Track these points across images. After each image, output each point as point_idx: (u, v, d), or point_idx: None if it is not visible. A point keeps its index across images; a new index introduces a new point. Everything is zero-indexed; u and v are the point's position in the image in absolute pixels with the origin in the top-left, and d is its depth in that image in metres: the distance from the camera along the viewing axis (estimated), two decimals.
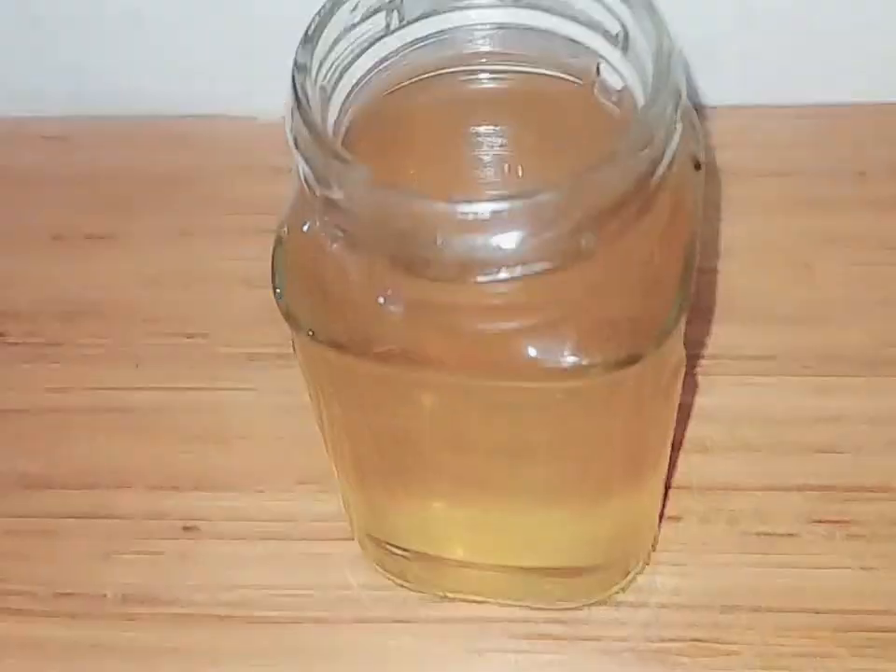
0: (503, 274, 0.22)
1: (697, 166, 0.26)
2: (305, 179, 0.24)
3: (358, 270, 0.24)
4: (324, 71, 0.25)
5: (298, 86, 0.23)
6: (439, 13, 0.27)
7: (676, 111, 0.23)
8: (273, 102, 0.44)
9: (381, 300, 0.24)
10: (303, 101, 0.23)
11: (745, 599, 0.34)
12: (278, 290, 0.26)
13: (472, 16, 0.27)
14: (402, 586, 0.34)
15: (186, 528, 0.36)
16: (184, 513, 0.36)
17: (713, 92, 0.44)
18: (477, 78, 0.28)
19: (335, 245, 0.24)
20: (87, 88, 0.46)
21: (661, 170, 0.23)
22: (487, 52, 0.27)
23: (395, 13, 0.26)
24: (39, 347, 0.40)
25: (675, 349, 0.26)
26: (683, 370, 0.28)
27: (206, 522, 0.36)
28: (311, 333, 0.25)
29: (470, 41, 0.27)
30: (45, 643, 0.34)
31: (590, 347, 0.24)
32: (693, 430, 0.37)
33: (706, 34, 0.41)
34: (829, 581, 0.34)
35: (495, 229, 0.22)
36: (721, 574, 0.34)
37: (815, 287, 0.40)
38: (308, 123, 0.23)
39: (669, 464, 0.34)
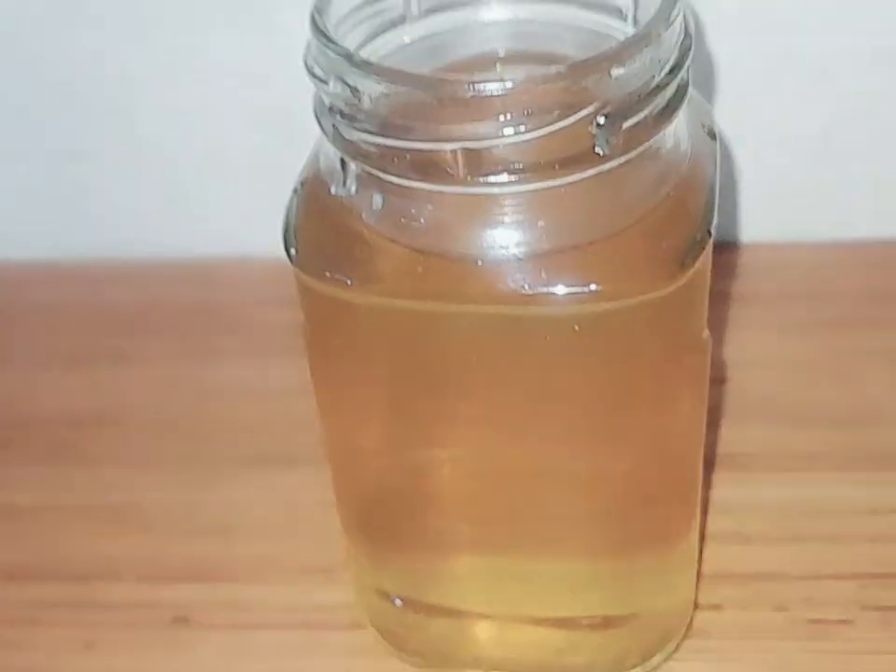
0: (510, 174, 0.21)
1: (712, 136, 0.25)
2: (327, 107, 0.23)
3: (374, 203, 0.24)
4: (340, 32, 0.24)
5: (318, 23, 0.23)
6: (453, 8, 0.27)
7: (687, 33, 0.23)
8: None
9: (400, 220, 0.23)
10: (324, 31, 0.23)
11: None
12: (292, 248, 0.25)
13: (485, 12, 0.27)
14: (411, 664, 0.31)
15: (176, 619, 0.33)
16: (175, 603, 0.33)
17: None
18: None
19: (353, 188, 0.24)
20: (111, 233, 0.46)
21: (672, 73, 0.22)
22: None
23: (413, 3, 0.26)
24: (43, 453, 0.39)
25: (695, 308, 0.25)
26: (709, 354, 0.26)
27: (199, 612, 0.33)
28: (327, 275, 0.24)
29: (484, 40, 0.27)
30: None
31: (604, 275, 0.22)
32: (730, 524, 0.34)
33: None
34: (888, 665, 0.30)
35: (501, 110, 0.21)
36: (769, 660, 0.31)
37: (853, 393, 0.38)
38: (329, 41, 0.23)
39: (702, 548, 0.32)
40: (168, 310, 0.44)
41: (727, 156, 0.41)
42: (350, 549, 0.31)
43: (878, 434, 0.36)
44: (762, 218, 0.43)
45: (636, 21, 0.25)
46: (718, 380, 0.37)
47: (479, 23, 0.27)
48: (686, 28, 0.23)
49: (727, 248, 0.43)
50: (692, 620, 0.31)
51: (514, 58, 0.27)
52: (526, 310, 0.23)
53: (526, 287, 0.23)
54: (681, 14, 0.23)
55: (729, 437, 0.36)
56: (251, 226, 0.45)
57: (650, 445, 0.26)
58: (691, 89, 0.24)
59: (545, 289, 0.23)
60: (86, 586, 0.34)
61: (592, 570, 0.28)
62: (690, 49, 0.23)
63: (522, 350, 0.24)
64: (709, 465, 0.34)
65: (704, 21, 0.39)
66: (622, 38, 0.26)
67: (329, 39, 0.23)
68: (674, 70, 0.22)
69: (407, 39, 0.27)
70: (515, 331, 0.24)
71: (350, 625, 0.32)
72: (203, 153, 0.44)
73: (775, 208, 0.43)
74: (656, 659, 0.30)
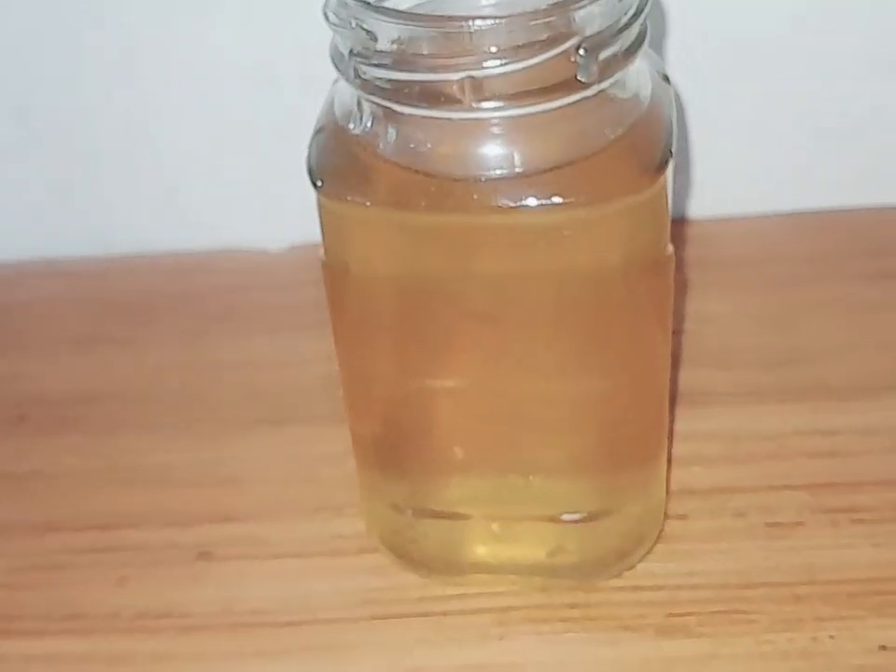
0: (508, 101, 0.26)
1: (666, 80, 0.30)
2: (345, 51, 0.27)
3: (388, 135, 0.28)
4: None
5: None
6: None
7: None
8: (278, 233, 0.49)
9: (410, 147, 0.27)
10: None
11: (759, 577, 0.34)
12: (319, 181, 0.29)
13: None
14: (419, 575, 0.34)
15: (201, 554, 0.36)
16: (198, 542, 0.37)
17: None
18: None
19: (369, 123, 0.28)
20: (109, 231, 0.50)
21: (638, 12, 0.27)
22: None
23: None
24: (57, 425, 0.42)
25: (660, 220, 0.29)
26: (673, 266, 0.30)
27: (220, 547, 0.37)
28: (348, 198, 0.28)
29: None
30: (60, 657, 0.34)
31: (585, 187, 0.27)
32: (691, 448, 0.38)
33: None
34: (841, 557, 0.34)
35: (499, 43, 0.25)
36: (733, 558, 0.35)
37: (795, 338, 0.42)
38: None
39: (669, 467, 0.36)
40: (163, 299, 0.47)
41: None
42: (363, 474, 0.34)
43: (814, 370, 0.41)
44: (708, 196, 0.48)
45: None
46: (676, 331, 0.41)
47: None
48: None
49: (680, 223, 0.48)
50: (662, 527, 0.35)
51: None
52: (517, 220, 0.27)
53: (517, 200, 0.27)
54: None
55: (687, 378, 0.40)
56: (236, 221, 0.49)
57: (623, 359, 0.30)
58: (649, 35, 0.28)
59: (530, 202, 0.27)
60: (114, 533, 0.37)
61: (577, 478, 0.32)
62: None
63: (511, 259, 0.28)
64: (672, 401, 0.38)
65: None
66: None
67: None
68: (638, 13, 0.27)
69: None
70: (507, 242, 0.28)
71: (362, 550, 0.36)
72: (191, 152, 0.48)
73: (717, 186, 0.48)
74: (633, 559, 0.34)
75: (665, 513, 0.36)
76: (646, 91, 0.29)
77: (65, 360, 0.45)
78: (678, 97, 0.43)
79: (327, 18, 0.27)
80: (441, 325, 0.30)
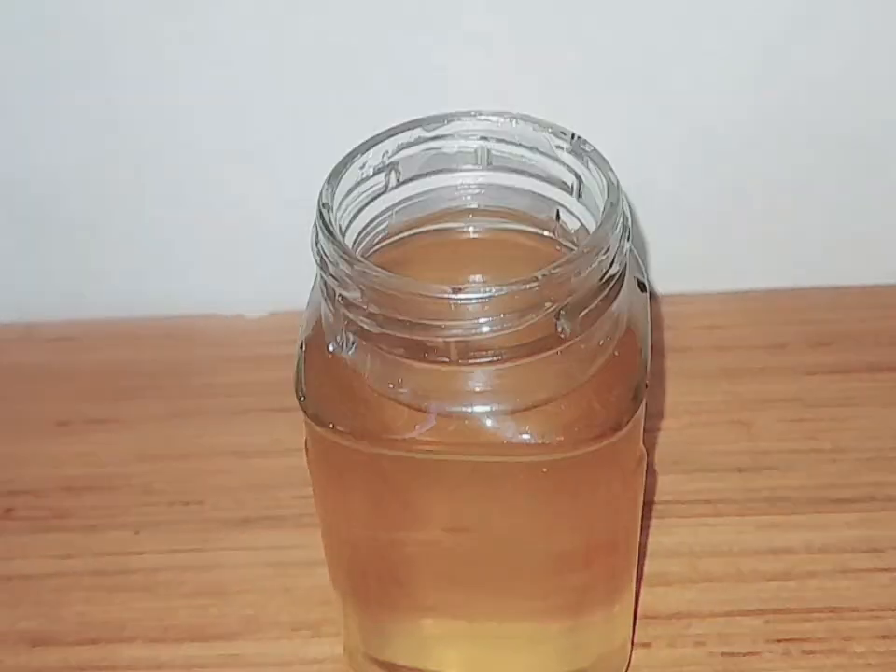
0: (494, 357, 0.27)
1: (642, 287, 0.31)
2: (329, 291, 0.28)
3: (371, 367, 0.28)
4: (338, 214, 0.29)
5: (325, 219, 0.28)
6: (429, 175, 0.32)
7: (625, 229, 0.28)
8: (256, 300, 0.50)
9: (390, 385, 0.28)
10: (331, 228, 0.28)
11: None
12: (302, 397, 0.30)
13: (456, 178, 0.32)
14: None
15: None
16: (184, 663, 0.39)
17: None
18: (461, 231, 0.33)
19: (351, 352, 0.29)
20: (85, 296, 0.50)
21: (616, 269, 0.28)
22: (470, 209, 0.32)
23: (392, 174, 0.31)
24: (44, 520, 0.43)
25: (635, 437, 0.30)
26: (645, 463, 0.32)
27: (205, 669, 0.38)
28: (331, 426, 0.29)
29: (454, 199, 0.32)
30: None
31: (567, 427, 0.28)
32: (654, 566, 0.40)
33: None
34: None
35: (488, 313, 0.26)
36: None
37: (753, 439, 0.44)
38: (335, 242, 0.28)
39: (635, 597, 0.38)
40: (143, 373, 0.48)
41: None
42: (343, 616, 0.36)
43: (771, 479, 0.43)
44: (664, 272, 0.49)
45: (580, 195, 0.31)
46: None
47: (449, 187, 0.32)
48: (625, 225, 0.29)
49: None
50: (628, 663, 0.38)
51: (482, 212, 0.33)
52: (503, 456, 0.29)
53: (504, 438, 0.28)
54: (623, 212, 0.28)
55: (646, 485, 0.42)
56: (219, 285, 0.50)
57: (598, 534, 0.32)
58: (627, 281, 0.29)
59: (518, 439, 0.28)
60: (103, 648, 0.39)
61: (549, 632, 0.34)
62: (629, 239, 0.29)
63: (497, 486, 0.30)
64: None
65: None
66: (567, 206, 0.31)
67: (340, 246, 0.28)
68: (618, 261, 0.28)
69: (389, 203, 0.32)
70: (493, 471, 0.29)
71: None
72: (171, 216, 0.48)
73: (673, 263, 0.49)
74: None
75: (632, 642, 0.38)
76: (624, 308, 0.30)
77: (48, 444, 0.46)
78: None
79: (315, 254, 0.28)
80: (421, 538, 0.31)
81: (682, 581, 0.40)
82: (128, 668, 0.39)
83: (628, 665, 0.37)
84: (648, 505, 0.42)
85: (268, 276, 0.49)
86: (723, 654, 0.38)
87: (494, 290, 0.26)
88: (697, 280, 0.49)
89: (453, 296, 0.27)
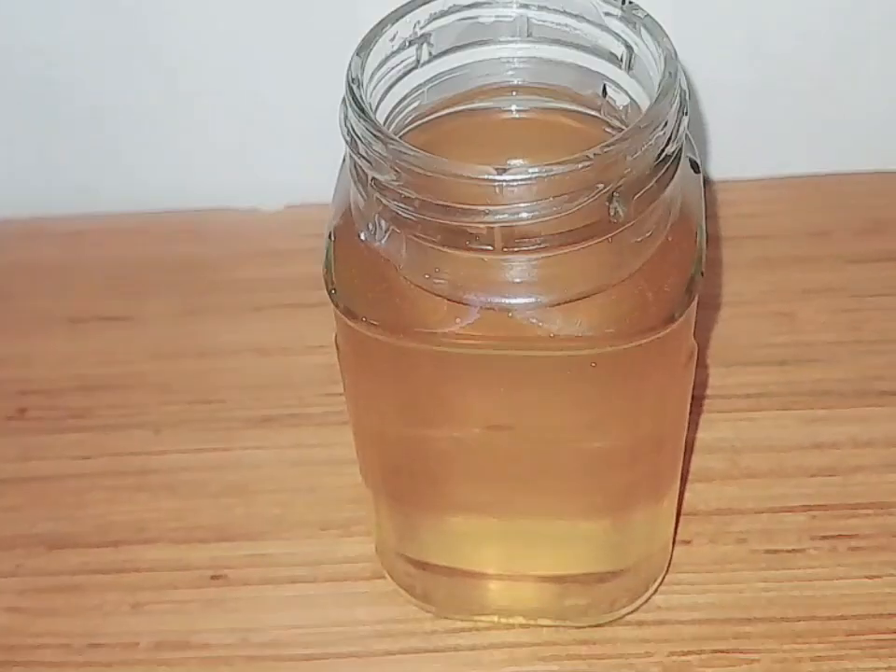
0: (541, 245, 0.25)
1: (696, 169, 0.29)
2: (360, 175, 0.26)
3: (407, 256, 0.27)
4: (368, 91, 0.27)
5: (355, 94, 0.26)
6: (463, 48, 0.29)
7: (682, 103, 0.26)
8: (272, 193, 0.48)
9: (426, 276, 0.26)
10: (361, 104, 0.26)
11: (760, 611, 0.35)
12: (333, 290, 0.28)
13: (493, 51, 0.30)
14: (430, 613, 0.35)
15: (213, 577, 0.37)
16: (210, 563, 0.37)
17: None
18: (498, 110, 0.30)
19: (384, 240, 0.27)
20: (96, 189, 0.48)
21: (673, 147, 0.26)
22: (508, 86, 0.30)
23: (424, 47, 0.29)
24: (60, 420, 0.42)
25: (687, 331, 0.29)
26: (695, 358, 0.30)
27: (232, 570, 0.37)
28: (364, 319, 0.27)
29: (490, 75, 0.30)
30: None
31: (618, 319, 0.26)
32: (696, 462, 0.39)
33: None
34: (837, 590, 0.36)
35: (535, 196, 0.24)
36: (735, 589, 0.36)
37: (796, 332, 0.42)
38: (367, 119, 0.26)
39: (679, 495, 0.36)
40: (157, 268, 0.46)
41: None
42: (375, 515, 0.35)
43: (814, 371, 0.41)
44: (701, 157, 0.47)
45: (630, 67, 0.28)
46: None
47: (486, 61, 0.30)
48: (682, 99, 0.26)
49: None
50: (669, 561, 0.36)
51: (522, 89, 0.30)
52: (550, 350, 0.27)
53: (551, 331, 0.26)
54: (680, 85, 0.26)
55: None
56: (232, 176, 0.48)
57: (645, 430, 0.31)
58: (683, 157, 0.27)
59: (565, 332, 0.26)
60: (122, 551, 0.38)
61: (590, 531, 0.33)
62: (686, 116, 0.26)
63: (541, 381, 0.28)
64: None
65: None
66: (615, 80, 0.29)
67: (373, 123, 0.26)
68: (675, 139, 0.26)
69: (421, 80, 0.29)
70: (537, 366, 0.28)
71: (371, 576, 0.37)
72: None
73: (710, 148, 0.47)
74: (640, 602, 0.35)
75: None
76: (677, 192, 0.28)
77: (62, 342, 0.44)
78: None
79: (345, 138, 0.26)
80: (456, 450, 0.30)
81: (723, 477, 0.38)
82: (150, 570, 0.37)
83: (669, 562, 0.36)
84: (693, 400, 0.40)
85: (284, 166, 0.47)
86: (767, 552, 0.37)
87: (542, 171, 0.24)
88: (737, 166, 0.47)
89: (497, 177, 0.24)
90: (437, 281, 0.27)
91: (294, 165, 0.45)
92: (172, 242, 0.47)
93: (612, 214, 0.25)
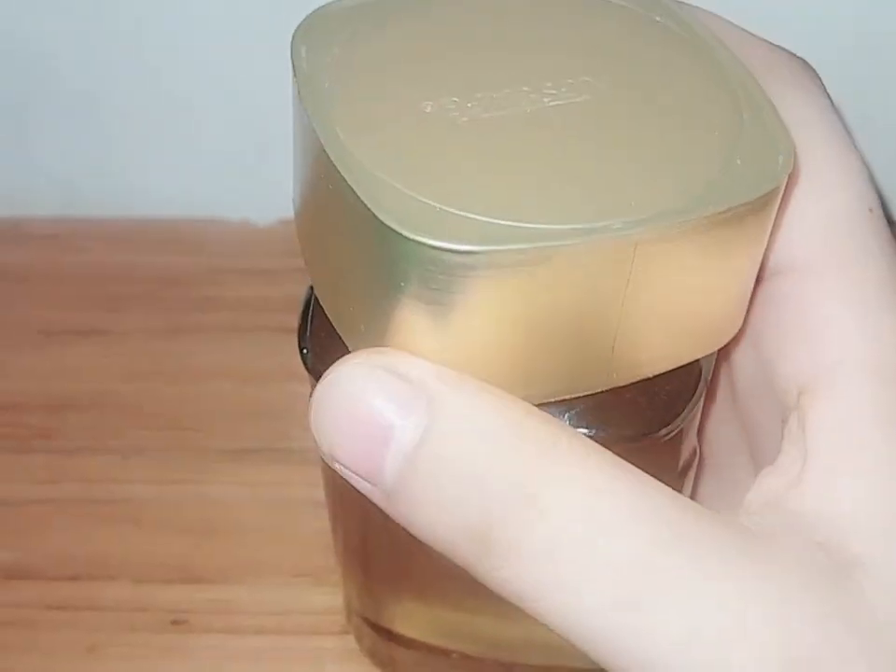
0: None
1: None
2: None
3: None
4: None
5: None
6: None
7: None
8: (265, 205, 0.45)
9: None
10: None
11: None
12: (305, 348, 0.26)
13: None
14: None
15: (174, 622, 0.35)
16: (172, 606, 0.35)
17: None
18: None
19: None
20: (79, 190, 0.46)
21: None
22: None
23: None
24: (24, 440, 0.39)
25: (690, 437, 0.26)
26: (696, 462, 0.28)
27: (195, 615, 0.35)
28: None
29: None
30: None
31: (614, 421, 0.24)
32: None
33: None
34: None
35: None
36: None
37: None
38: None
39: None
40: (140, 280, 0.44)
41: None
42: (343, 576, 0.33)
43: None
44: None
45: None
46: None
47: None
48: None
49: None
50: None
51: None
52: None
53: None
54: None
55: None
56: (224, 185, 0.46)
57: None
58: None
59: None
60: (81, 587, 0.36)
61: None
62: None
63: None
64: None
65: None
66: None
67: None
68: None
69: None
70: None
71: (341, 631, 0.35)
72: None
73: None
74: None
75: None
76: None
77: (30, 356, 0.42)
78: None
79: None
80: None
81: None
82: (109, 609, 0.35)
83: None
84: None
85: (279, 178, 0.45)
86: None
87: None
88: None
89: None
90: None
91: (290, 178, 0.43)
92: (156, 252, 0.45)
93: None
